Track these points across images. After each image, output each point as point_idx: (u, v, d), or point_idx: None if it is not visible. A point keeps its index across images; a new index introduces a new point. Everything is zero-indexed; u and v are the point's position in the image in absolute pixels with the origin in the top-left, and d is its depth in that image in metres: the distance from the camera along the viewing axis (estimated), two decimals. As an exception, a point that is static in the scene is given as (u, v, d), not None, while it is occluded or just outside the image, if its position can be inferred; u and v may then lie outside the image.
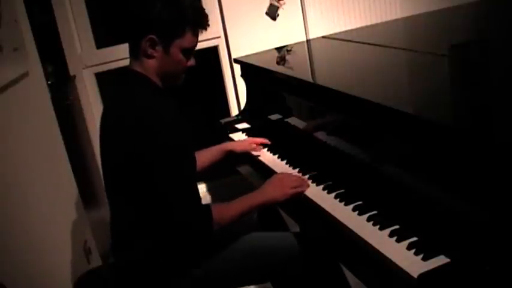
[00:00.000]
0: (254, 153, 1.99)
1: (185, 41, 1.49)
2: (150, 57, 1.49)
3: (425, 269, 1.12)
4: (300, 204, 1.60)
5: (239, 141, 2.11)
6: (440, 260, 1.14)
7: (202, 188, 3.22)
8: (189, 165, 1.49)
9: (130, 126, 1.41)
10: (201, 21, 1.52)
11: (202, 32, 1.55)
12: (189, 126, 1.49)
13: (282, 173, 1.70)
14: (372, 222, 1.35)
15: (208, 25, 1.55)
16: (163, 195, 1.42)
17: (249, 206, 1.56)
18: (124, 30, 1.54)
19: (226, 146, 2.01)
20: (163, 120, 1.41)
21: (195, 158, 1.55)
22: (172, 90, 1.58)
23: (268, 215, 1.86)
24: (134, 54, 1.52)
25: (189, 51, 1.53)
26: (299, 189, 1.59)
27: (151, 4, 1.45)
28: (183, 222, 1.43)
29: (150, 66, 1.51)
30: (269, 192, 1.59)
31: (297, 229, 2.00)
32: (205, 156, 1.92)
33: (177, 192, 1.42)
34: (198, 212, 1.45)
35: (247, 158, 2.03)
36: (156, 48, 1.48)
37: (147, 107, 1.43)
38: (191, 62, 1.56)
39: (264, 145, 2.02)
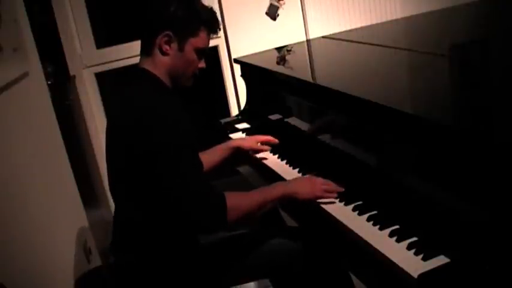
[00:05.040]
0: (261, 154, 1.95)
1: (199, 40, 1.53)
2: (165, 54, 1.51)
3: (425, 269, 1.12)
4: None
5: (244, 138, 2.08)
6: (440, 260, 1.14)
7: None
8: (191, 157, 1.45)
9: (132, 125, 1.42)
10: (214, 23, 1.57)
11: (212, 37, 1.59)
12: (194, 128, 1.48)
13: (314, 176, 1.61)
14: (372, 222, 1.35)
15: (220, 29, 1.60)
16: (169, 191, 1.40)
17: (270, 196, 1.50)
18: (140, 27, 1.55)
19: (233, 143, 1.99)
20: (165, 120, 1.41)
21: (198, 156, 1.52)
22: (178, 90, 1.58)
23: (267, 213, 1.86)
24: (146, 51, 1.53)
25: (202, 52, 1.56)
26: (329, 195, 1.50)
27: (168, 1, 1.49)
28: (194, 213, 1.40)
29: (163, 63, 1.52)
30: (295, 186, 1.53)
31: (294, 223, 2.00)
32: (212, 156, 1.90)
33: (183, 185, 1.40)
34: (208, 199, 1.41)
35: (248, 158, 2.02)
36: (171, 45, 1.50)
37: (151, 107, 1.42)
38: (202, 63, 1.58)
39: (269, 144, 1.99)
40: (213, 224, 1.43)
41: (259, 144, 1.97)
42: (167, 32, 1.48)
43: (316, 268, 1.60)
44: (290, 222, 1.84)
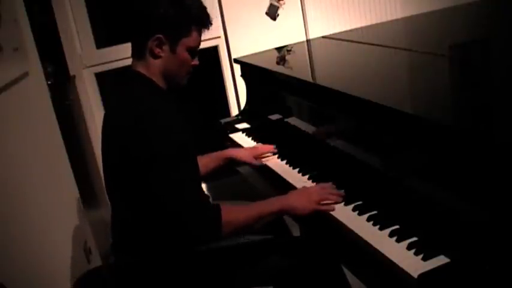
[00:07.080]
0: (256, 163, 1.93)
1: (191, 40, 1.50)
2: (157, 57, 1.48)
3: (425, 269, 1.12)
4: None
5: (243, 150, 2.03)
6: (440, 260, 1.14)
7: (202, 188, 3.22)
8: (188, 167, 1.44)
9: (128, 128, 1.41)
10: (206, 20, 1.53)
11: (204, 32, 1.55)
12: (190, 129, 1.47)
13: (313, 187, 1.58)
14: (371, 222, 1.34)
15: (211, 24, 1.56)
16: (161, 197, 1.40)
17: (266, 212, 1.48)
18: (130, 31, 1.52)
19: (228, 152, 1.97)
20: (160, 123, 1.40)
21: (196, 160, 1.52)
22: (173, 91, 1.57)
23: (271, 221, 1.84)
24: (138, 54, 1.51)
25: (194, 51, 1.53)
26: (324, 207, 1.47)
27: (157, 3, 1.45)
28: (187, 223, 1.39)
29: (156, 66, 1.50)
30: (291, 200, 1.51)
31: (297, 230, 2.00)
32: (206, 163, 1.89)
33: (176, 194, 1.39)
34: (203, 211, 1.40)
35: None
36: (163, 48, 1.48)
37: (145, 109, 1.41)
38: (195, 61, 1.56)
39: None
40: (205, 236, 1.42)
41: (258, 151, 1.95)
42: (158, 36, 1.45)
43: (319, 276, 1.59)
44: (292, 224, 1.84)
